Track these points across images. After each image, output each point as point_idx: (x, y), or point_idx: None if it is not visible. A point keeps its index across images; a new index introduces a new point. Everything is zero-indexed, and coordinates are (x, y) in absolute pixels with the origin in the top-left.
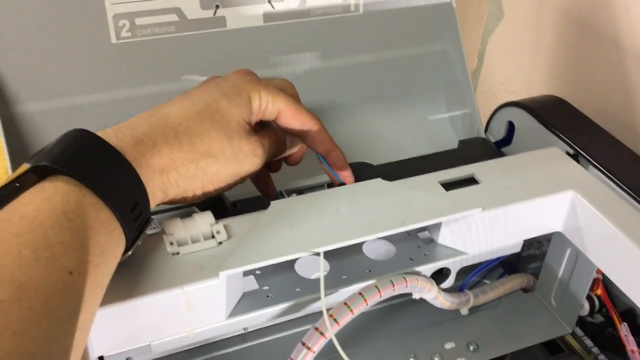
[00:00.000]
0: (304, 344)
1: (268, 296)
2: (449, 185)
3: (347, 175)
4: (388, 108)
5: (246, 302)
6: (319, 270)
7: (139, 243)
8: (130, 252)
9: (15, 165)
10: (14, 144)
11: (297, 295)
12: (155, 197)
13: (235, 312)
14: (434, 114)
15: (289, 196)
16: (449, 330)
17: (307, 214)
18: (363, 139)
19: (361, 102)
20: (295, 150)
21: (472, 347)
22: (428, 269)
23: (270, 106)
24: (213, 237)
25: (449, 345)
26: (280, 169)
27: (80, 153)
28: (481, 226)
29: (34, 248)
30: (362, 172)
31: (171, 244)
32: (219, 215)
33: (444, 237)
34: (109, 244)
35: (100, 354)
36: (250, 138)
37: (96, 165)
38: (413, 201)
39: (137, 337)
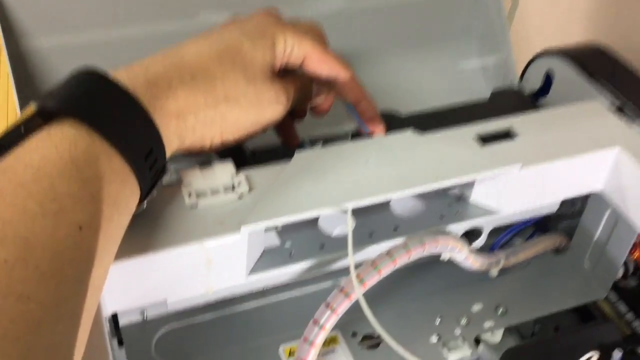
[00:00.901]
0: (328, 305)
1: (290, 253)
2: (484, 140)
3: (377, 126)
4: (416, 54)
5: (267, 259)
6: (345, 227)
7: (155, 193)
8: (145, 203)
9: (23, 104)
10: (23, 81)
11: (320, 253)
12: (171, 143)
13: (255, 269)
14: (465, 61)
15: (313, 146)
16: (476, 292)
17: (333, 167)
18: (389, 86)
19: (388, 47)
20: (321, 98)
21: (500, 310)
22: (459, 228)
23: (295, 50)
24: (233, 188)
25: (476, 308)
26: (305, 116)
27: (89, 95)
28: (518, 184)
29: (40, 200)
30: (390, 122)
31: (189, 195)
32: (238, 165)
33: (477, 195)
34: (122, 194)
35: (113, 310)
36: (274, 83)
37: (107, 109)
38: (446, 156)
39: (153, 293)
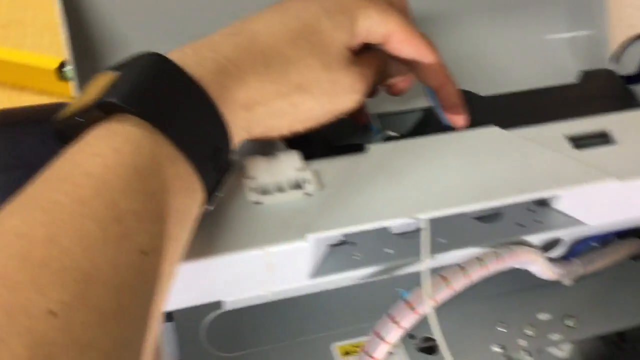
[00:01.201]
0: (391, 317)
1: (356, 256)
2: (577, 143)
3: (458, 117)
4: (497, 21)
5: (332, 262)
6: (418, 231)
7: (219, 194)
8: (209, 206)
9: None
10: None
11: (388, 258)
12: (238, 136)
13: (319, 272)
14: (552, 34)
15: (382, 126)
16: (544, 298)
17: (410, 167)
18: (464, 59)
19: (465, 13)
20: (399, 79)
21: (570, 322)
22: (538, 239)
23: (379, 28)
24: (300, 186)
25: (543, 316)
26: (377, 94)
27: (155, 88)
28: (613, 197)
29: (102, 222)
30: (466, 103)
31: (252, 190)
32: (305, 154)
33: (563, 203)
34: (187, 206)
35: (167, 309)
36: (351, 69)
37: (174, 105)
38: (535, 160)
39: (209, 294)
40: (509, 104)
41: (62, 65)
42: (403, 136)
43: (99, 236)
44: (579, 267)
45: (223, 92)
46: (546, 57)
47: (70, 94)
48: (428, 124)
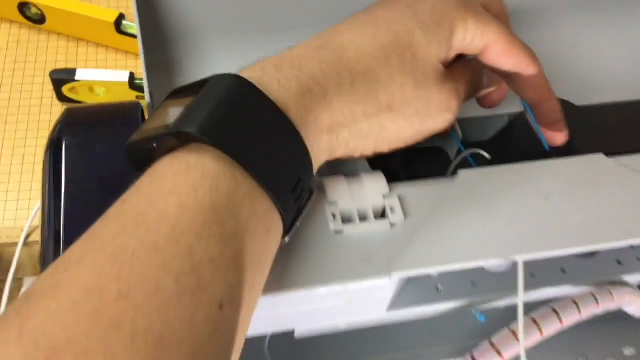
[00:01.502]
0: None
1: (437, 288)
2: None
3: (559, 135)
4: (597, 19)
5: (411, 293)
6: (505, 265)
7: (298, 225)
8: (287, 239)
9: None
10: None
11: (474, 292)
12: (319, 161)
13: (397, 304)
14: None
15: (462, 132)
16: (630, 332)
17: (504, 198)
18: (559, 61)
19: (556, 9)
20: (492, 89)
21: None
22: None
23: (477, 40)
24: (384, 214)
25: (628, 351)
26: None
27: (234, 116)
28: None
29: (177, 273)
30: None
31: (334, 216)
32: (389, 176)
33: None
34: (266, 248)
35: None
36: (444, 86)
37: (255, 136)
38: None
39: (281, 323)
40: (610, 118)
41: (120, 18)
42: (493, 159)
43: (174, 290)
44: None
45: (307, 115)
46: None
47: (127, 48)
48: (514, 132)
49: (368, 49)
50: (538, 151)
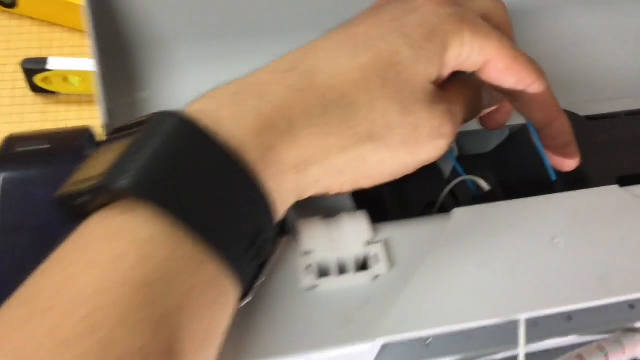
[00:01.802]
0: None
1: (427, 343)
2: None
3: (570, 161)
4: (605, 13)
5: (396, 349)
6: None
7: (263, 279)
8: (247, 299)
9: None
10: None
11: (467, 346)
12: (286, 204)
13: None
14: None
15: (458, 145)
16: None
17: (506, 242)
18: (561, 64)
19: (561, 3)
20: (494, 108)
21: None
22: None
23: (475, 55)
24: (365, 265)
25: None
26: None
27: (176, 167)
28: None
29: None
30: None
31: (309, 269)
32: (374, 214)
33: None
34: (214, 322)
35: None
36: (436, 109)
37: (201, 187)
38: None
39: None
40: (621, 131)
41: None
42: (491, 191)
43: None
44: None
45: (267, 154)
46: None
47: None
48: (514, 146)
49: (344, 71)
50: (540, 167)
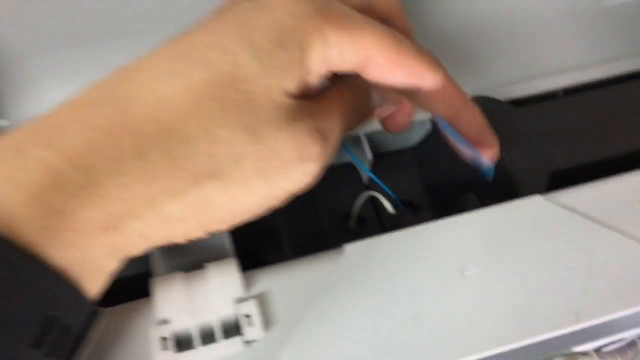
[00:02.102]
0: None
1: None
2: None
3: (488, 153)
4: None
5: None
6: None
7: None
8: None
9: None
10: None
11: None
12: (102, 269)
13: None
14: None
15: (357, 148)
16: None
17: (407, 282)
18: (478, 30)
19: None
20: (391, 110)
21: None
22: (594, 345)
23: (348, 55)
24: (238, 328)
25: None
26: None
27: None
28: None
29: None
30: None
31: (164, 341)
32: (247, 260)
33: None
34: None
35: None
36: (297, 128)
37: None
38: (598, 257)
39: None
40: (547, 119)
41: None
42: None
43: None
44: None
45: (54, 222)
46: (605, 30)
47: None
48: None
49: (168, 96)
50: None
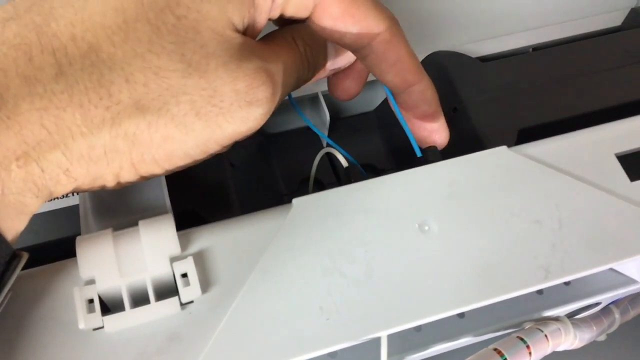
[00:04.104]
0: None
1: None
2: (629, 167)
3: (436, 130)
4: None
5: None
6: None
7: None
8: None
9: None
10: None
11: None
12: (20, 206)
13: None
14: None
15: (315, 109)
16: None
17: (361, 237)
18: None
19: None
20: (340, 67)
21: None
22: (566, 309)
23: None
24: (176, 290)
25: None
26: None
27: None
28: None
29: None
30: (448, 74)
31: (90, 303)
32: (188, 217)
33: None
34: None
35: None
36: (243, 66)
37: None
38: (568, 209)
39: None
40: (512, 67)
41: None
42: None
43: None
44: (615, 318)
45: None
46: None
47: None
48: None
49: (95, 16)
50: None
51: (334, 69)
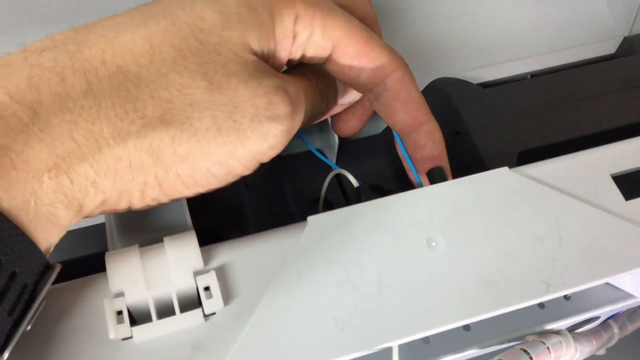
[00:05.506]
0: None
1: None
2: (627, 184)
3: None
4: None
5: None
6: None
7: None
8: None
9: None
10: None
11: None
12: (53, 220)
13: None
14: None
15: (323, 133)
16: None
17: (371, 252)
18: (447, 29)
19: None
20: (349, 100)
21: None
22: (567, 323)
23: (317, 37)
24: (199, 301)
25: None
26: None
27: None
28: None
29: None
30: (450, 95)
31: (119, 315)
32: (207, 235)
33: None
34: None
35: None
36: (262, 84)
37: None
38: (567, 227)
39: None
40: (517, 99)
41: None
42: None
43: None
44: (614, 332)
45: (1, 158)
46: (569, 15)
47: None
48: None
49: (125, 42)
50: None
51: (342, 105)
